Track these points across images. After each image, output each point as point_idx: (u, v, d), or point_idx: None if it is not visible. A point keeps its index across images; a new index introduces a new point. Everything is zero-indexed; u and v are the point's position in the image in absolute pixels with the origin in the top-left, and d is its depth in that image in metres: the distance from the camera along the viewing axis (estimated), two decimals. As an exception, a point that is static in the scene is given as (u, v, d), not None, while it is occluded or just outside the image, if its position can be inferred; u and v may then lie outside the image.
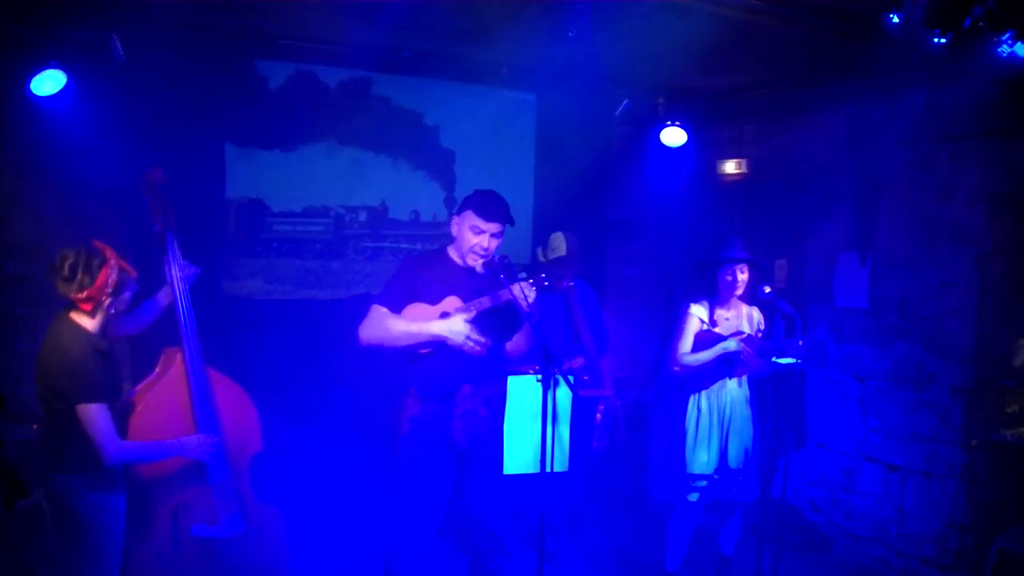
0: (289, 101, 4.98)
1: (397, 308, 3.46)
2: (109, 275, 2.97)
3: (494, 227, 3.45)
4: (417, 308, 3.47)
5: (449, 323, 3.40)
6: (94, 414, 2.92)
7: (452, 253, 3.59)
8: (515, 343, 3.65)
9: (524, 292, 3.30)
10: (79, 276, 2.94)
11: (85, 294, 2.96)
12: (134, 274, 3.07)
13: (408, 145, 5.38)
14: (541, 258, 4.61)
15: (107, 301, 3.01)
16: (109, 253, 3.00)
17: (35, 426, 3.83)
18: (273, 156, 5.00)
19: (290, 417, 4.41)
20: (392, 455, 3.54)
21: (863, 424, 5.21)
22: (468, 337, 3.39)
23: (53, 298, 3.09)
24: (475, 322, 3.43)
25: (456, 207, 3.66)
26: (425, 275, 3.52)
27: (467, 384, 3.47)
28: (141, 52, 4.11)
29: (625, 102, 5.41)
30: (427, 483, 3.46)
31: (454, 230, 3.56)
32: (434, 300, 3.47)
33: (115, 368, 3.17)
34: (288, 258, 5.12)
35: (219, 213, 4.88)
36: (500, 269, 3.35)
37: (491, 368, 3.53)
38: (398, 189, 5.38)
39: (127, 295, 3.09)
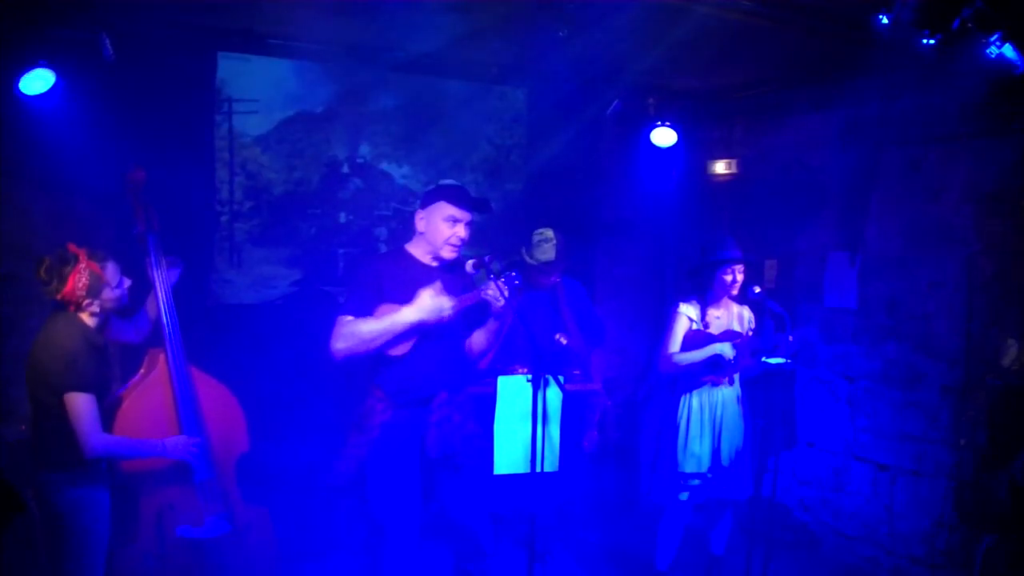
0: (280, 101, 4.96)
1: (366, 313, 3.25)
2: (79, 279, 2.99)
3: (469, 215, 3.34)
4: (388, 308, 3.26)
5: (418, 303, 3.21)
6: (81, 403, 2.94)
7: (416, 251, 3.41)
8: (475, 340, 3.51)
9: (500, 291, 3.19)
10: (53, 279, 2.99)
11: (60, 297, 3.01)
12: (105, 277, 3.06)
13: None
14: (528, 259, 4.46)
15: (85, 303, 3.04)
16: (81, 256, 3.01)
17: (24, 427, 3.82)
18: (265, 156, 4.99)
19: (280, 417, 4.39)
20: (355, 459, 3.38)
21: (852, 424, 5.22)
22: (443, 307, 3.23)
23: (42, 298, 3.10)
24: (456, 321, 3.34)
25: (420, 202, 3.47)
26: (389, 276, 3.33)
27: (444, 391, 3.35)
28: (131, 51, 4.10)
29: (615, 102, 5.40)
30: (400, 489, 3.31)
31: (421, 225, 3.37)
32: (403, 303, 3.26)
33: (107, 366, 3.18)
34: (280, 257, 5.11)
35: (209, 214, 4.86)
36: (489, 268, 3.25)
37: (466, 371, 3.46)
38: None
39: (110, 295, 3.09)
